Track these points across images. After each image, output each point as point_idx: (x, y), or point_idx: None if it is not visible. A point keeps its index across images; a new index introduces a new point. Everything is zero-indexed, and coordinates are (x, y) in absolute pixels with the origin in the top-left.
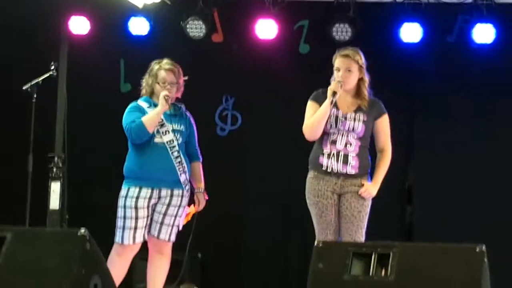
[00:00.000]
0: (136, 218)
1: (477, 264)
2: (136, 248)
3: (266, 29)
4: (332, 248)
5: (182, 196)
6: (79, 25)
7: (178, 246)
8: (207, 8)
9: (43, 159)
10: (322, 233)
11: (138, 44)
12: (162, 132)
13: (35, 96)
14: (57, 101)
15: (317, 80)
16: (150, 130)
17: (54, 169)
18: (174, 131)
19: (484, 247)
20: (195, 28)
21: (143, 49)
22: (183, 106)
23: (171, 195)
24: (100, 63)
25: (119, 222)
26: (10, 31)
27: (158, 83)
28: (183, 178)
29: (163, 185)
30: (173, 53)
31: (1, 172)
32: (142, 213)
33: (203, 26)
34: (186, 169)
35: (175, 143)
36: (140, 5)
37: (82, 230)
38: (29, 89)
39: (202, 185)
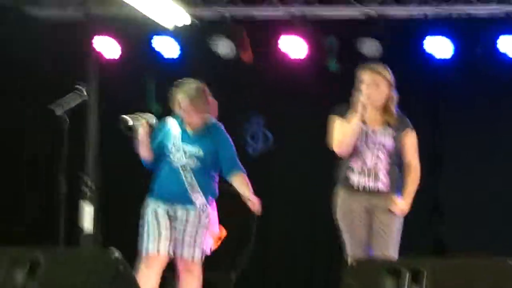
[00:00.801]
0: (159, 226)
1: (511, 279)
2: (162, 260)
3: (295, 47)
4: (364, 266)
5: (199, 216)
6: (109, 48)
7: (209, 266)
8: (236, 28)
9: (75, 181)
10: (353, 249)
11: (168, 65)
12: (177, 156)
13: (67, 120)
14: (88, 123)
15: (346, 97)
16: (143, 157)
17: (86, 191)
18: (189, 155)
19: None
20: (224, 48)
21: (172, 69)
22: (213, 124)
23: (187, 214)
24: (130, 85)
25: (143, 234)
26: (40, 55)
27: (175, 107)
28: (199, 202)
29: (178, 206)
30: (203, 73)
31: (34, 194)
32: (164, 223)
33: (232, 46)
34: (202, 193)
35: (188, 167)
36: (170, 26)
37: (115, 252)
38: (62, 114)
39: (250, 193)
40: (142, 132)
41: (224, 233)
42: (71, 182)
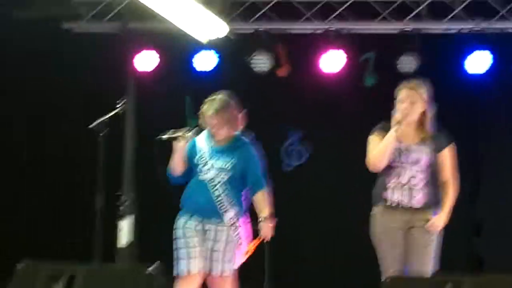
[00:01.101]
0: (188, 247)
1: None
2: (195, 279)
3: (331, 62)
4: (400, 284)
5: (228, 231)
6: (145, 61)
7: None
8: (272, 42)
9: (112, 197)
10: (390, 267)
11: (204, 79)
12: (205, 171)
13: (101, 134)
14: (124, 138)
15: (382, 113)
16: (175, 173)
17: (122, 207)
18: (218, 169)
19: None
20: (260, 63)
21: (208, 83)
22: (242, 139)
23: (216, 231)
24: (167, 99)
25: (175, 254)
26: (77, 68)
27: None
28: (227, 216)
29: (207, 221)
30: (238, 88)
31: (71, 211)
32: (193, 242)
33: (268, 60)
34: (229, 207)
35: (216, 181)
36: (204, 40)
37: (150, 268)
38: (95, 128)
39: (264, 214)
40: (178, 145)
41: (253, 247)
42: (108, 197)
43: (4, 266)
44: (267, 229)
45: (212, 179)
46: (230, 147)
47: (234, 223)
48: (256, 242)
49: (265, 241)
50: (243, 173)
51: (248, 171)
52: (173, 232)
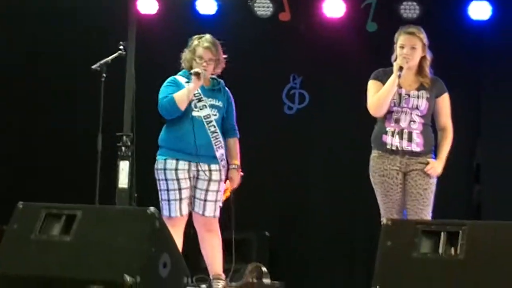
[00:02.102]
0: (180, 189)
1: None
2: (185, 219)
3: (333, 7)
4: (400, 226)
5: (220, 171)
6: (147, 5)
7: (244, 225)
8: None
9: (112, 138)
10: (388, 212)
11: (206, 23)
12: (200, 107)
13: (104, 75)
14: (125, 80)
15: (384, 58)
16: (181, 107)
17: (123, 148)
18: (211, 106)
19: None
20: (263, 7)
21: (210, 28)
22: (222, 82)
23: (210, 170)
24: (168, 42)
25: (164, 195)
26: (77, 11)
27: (195, 59)
28: (219, 153)
29: (200, 160)
30: (240, 32)
31: (71, 152)
32: (184, 184)
33: (270, 5)
34: (222, 144)
35: (212, 118)
36: None
37: (152, 209)
38: (98, 68)
39: (237, 161)
40: (198, 81)
41: (228, 192)
42: (110, 139)
43: (5, 209)
44: (237, 177)
45: (207, 115)
46: (214, 88)
47: (224, 160)
48: (228, 187)
49: (232, 188)
50: (223, 115)
51: (228, 115)
52: (159, 172)
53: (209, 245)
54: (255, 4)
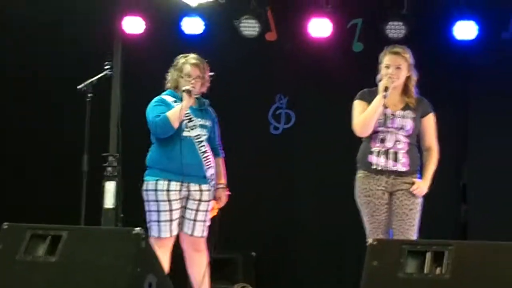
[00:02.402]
0: (171, 211)
1: None
2: (173, 239)
3: (319, 27)
4: (386, 246)
5: (209, 191)
6: (133, 25)
7: (231, 245)
8: (260, 7)
9: (98, 159)
10: (374, 232)
11: (192, 43)
12: (191, 127)
13: (89, 95)
14: (111, 100)
15: (370, 78)
16: (175, 125)
17: (109, 169)
18: (201, 126)
19: None
20: (249, 27)
21: (197, 48)
22: (207, 102)
23: (200, 190)
24: (154, 62)
25: (153, 217)
26: (64, 30)
27: (183, 77)
28: (209, 173)
29: (191, 181)
30: (227, 52)
31: (57, 172)
32: (176, 205)
33: (257, 25)
34: (212, 163)
35: (203, 137)
36: (193, 4)
37: (137, 229)
38: (83, 89)
39: (223, 181)
40: (190, 98)
41: (215, 211)
42: (95, 159)
43: None
44: (224, 196)
45: (198, 135)
46: (202, 108)
47: (213, 179)
48: (216, 206)
49: (219, 207)
50: (210, 135)
51: (214, 135)
52: (149, 193)
53: (197, 264)
54: (241, 24)
